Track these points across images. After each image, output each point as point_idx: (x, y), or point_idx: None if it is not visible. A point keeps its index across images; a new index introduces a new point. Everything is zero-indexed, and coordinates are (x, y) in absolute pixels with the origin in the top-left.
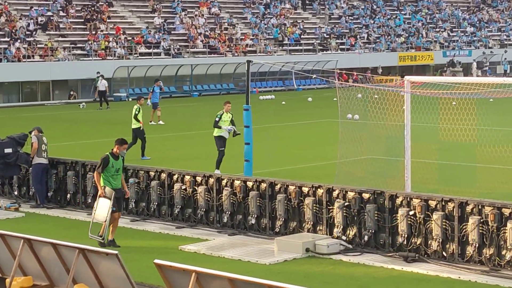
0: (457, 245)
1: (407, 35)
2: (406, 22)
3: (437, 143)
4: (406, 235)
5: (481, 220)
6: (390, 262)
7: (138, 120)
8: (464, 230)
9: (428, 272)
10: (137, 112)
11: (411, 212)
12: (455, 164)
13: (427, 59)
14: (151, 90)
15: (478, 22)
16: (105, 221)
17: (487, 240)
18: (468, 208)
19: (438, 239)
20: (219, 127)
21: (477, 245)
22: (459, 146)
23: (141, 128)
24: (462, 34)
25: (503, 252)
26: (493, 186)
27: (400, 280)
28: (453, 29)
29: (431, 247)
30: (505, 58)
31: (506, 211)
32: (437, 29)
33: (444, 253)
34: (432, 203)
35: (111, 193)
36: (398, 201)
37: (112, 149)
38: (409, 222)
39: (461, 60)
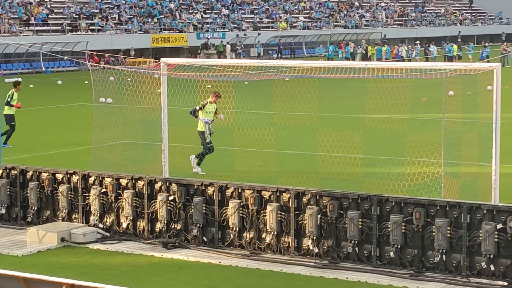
0: (217, 229)
1: (161, 16)
2: (158, 3)
3: (194, 127)
4: (165, 221)
5: (241, 204)
6: (150, 249)
7: (11, 106)
8: (225, 214)
9: (189, 258)
10: (9, 99)
11: (171, 198)
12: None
13: (180, 41)
14: None
15: (231, 4)
16: None
17: (247, 223)
18: (228, 192)
19: (198, 224)
20: (195, 117)
21: (237, 229)
22: (218, 130)
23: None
24: (216, 16)
25: (263, 235)
26: (252, 170)
27: (160, 267)
28: (207, 11)
29: (191, 233)
30: (259, 41)
31: (266, 194)
32: (191, 11)
33: (204, 238)
34: (192, 188)
35: None
36: (158, 186)
37: None
38: (168, 207)
39: (215, 43)
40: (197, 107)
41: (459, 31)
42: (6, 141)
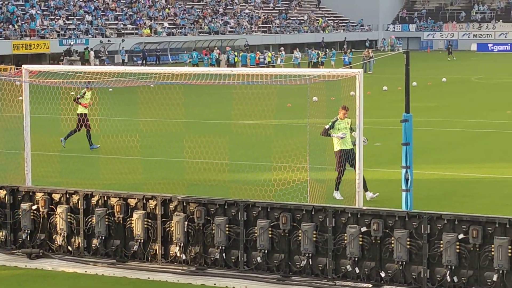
0: (82, 238)
1: (21, 22)
2: (20, 9)
3: (59, 135)
4: (29, 231)
5: (107, 212)
6: (13, 260)
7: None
8: (90, 223)
9: (54, 268)
10: (79, 96)
11: (34, 207)
12: (78, 156)
13: (43, 47)
14: None
15: (94, 10)
16: None
17: (113, 232)
18: (94, 200)
19: (63, 234)
20: (328, 135)
21: (103, 238)
22: (82, 137)
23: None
24: (79, 22)
25: (130, 243)
26: (117, 177)
27: (24, 278)
28: (69, 17)
29: (56, 242)
30: (123, 47)
31: (132, 202)
32: (53, 17)
33: (69, 247)
34: (56, 196)
35: None
36: (20, 195)
37: None
38: (32, 217)
39: (78, 49)
40: (327, 127)
41: (345, 38)
42: (91, 143)
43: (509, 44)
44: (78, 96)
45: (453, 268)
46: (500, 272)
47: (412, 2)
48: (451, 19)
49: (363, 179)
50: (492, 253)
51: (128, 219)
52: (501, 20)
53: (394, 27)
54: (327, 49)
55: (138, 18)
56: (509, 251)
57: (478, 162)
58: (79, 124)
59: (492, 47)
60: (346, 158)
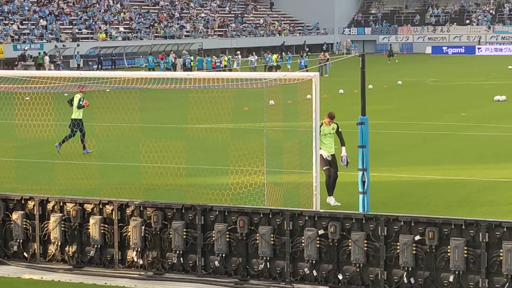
0: (38, 244)
1: None
2: None
3: (13, 141)
4: None
5: (63, 217)
6: None
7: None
8: (46, 228)
9: (9, 274)
10: (81, 102)
11: None
12: (33, 161)
13: None
14: None
15: (49, 15)
16: None
17: (69, 237)
18: (49, 206)
19: (18, 240)
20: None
21: (59, 243)
22: (37, 143)
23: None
24: (33, 27)
25: (87, 249)
26: (73, 183)
27: None
28: (23, 22)
29: (12, 249)
30: (78, 52)
31: (88, 207)
32: (7, 22)
33: (25, 253)
34: (11, 203)
35: None
36: None
37: None
38: None
39: (33, 54)
40: None
41: (305, 41)
42: (61, 143)
43: (463, 47)
44: (80, 102)
45: (409, 269)
46: (456, 273)
47: (367, 6)
48: (406, 22)
49: (335, 183)
50: (448, 254)
51: (84, 225)
52: (455, 23)
53: (350, 31)
54: (283, 53)
55: (93, 23)
56: (465, 252)
57: (434, 164)
58: (81, 129)
59: (446, 50)
60: (327, 162)
